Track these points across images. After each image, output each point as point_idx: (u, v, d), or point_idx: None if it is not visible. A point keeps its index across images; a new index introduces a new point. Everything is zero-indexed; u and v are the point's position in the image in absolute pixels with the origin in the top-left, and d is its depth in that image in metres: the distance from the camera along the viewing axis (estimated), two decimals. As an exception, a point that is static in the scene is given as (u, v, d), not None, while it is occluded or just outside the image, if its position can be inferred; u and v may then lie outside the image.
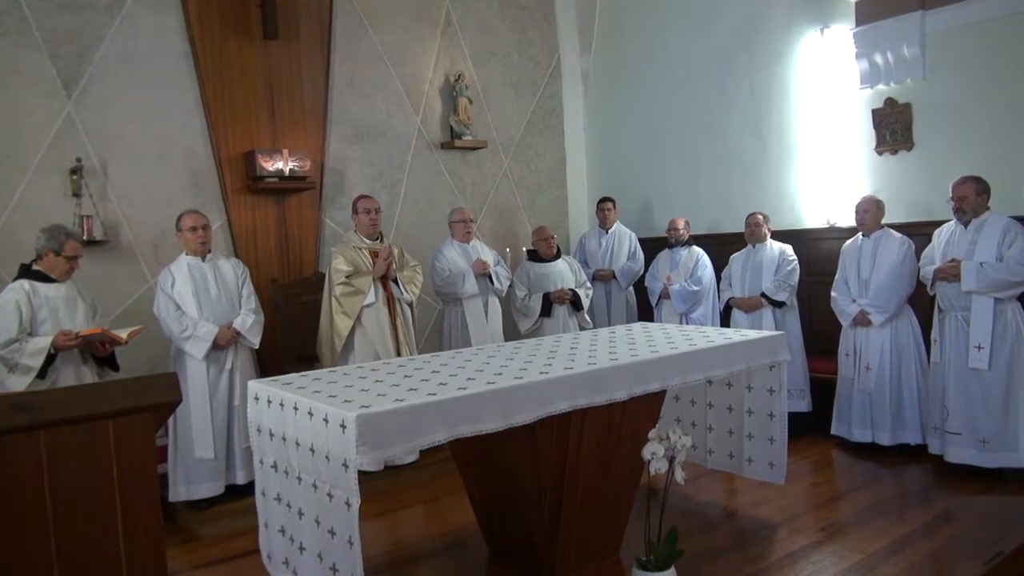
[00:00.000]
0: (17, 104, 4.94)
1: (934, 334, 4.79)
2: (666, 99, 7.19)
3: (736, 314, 5.84)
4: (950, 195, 4.70)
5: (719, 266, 6.22)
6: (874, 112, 5.73)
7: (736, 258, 5.97)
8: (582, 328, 6.08)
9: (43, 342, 3.93)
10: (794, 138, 6.29)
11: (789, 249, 5.78)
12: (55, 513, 2.05)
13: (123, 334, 4.12)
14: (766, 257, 5.79)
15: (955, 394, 4.62)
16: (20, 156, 4.95)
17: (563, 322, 6.05)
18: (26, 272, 4.13)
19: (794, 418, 5.04)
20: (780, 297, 5.67)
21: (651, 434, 3.19)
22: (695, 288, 6.19)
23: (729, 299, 5.89)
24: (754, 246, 5.87)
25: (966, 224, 4.68)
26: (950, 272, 4.63)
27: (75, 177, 5.07)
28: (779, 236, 5.98)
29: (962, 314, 4.62)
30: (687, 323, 6.10)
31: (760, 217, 5.88)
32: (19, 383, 3.88)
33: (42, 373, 3.93)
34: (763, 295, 5.71)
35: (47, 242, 4.10)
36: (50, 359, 3.95)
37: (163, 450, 4.62)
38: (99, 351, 4.18)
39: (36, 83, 5.00)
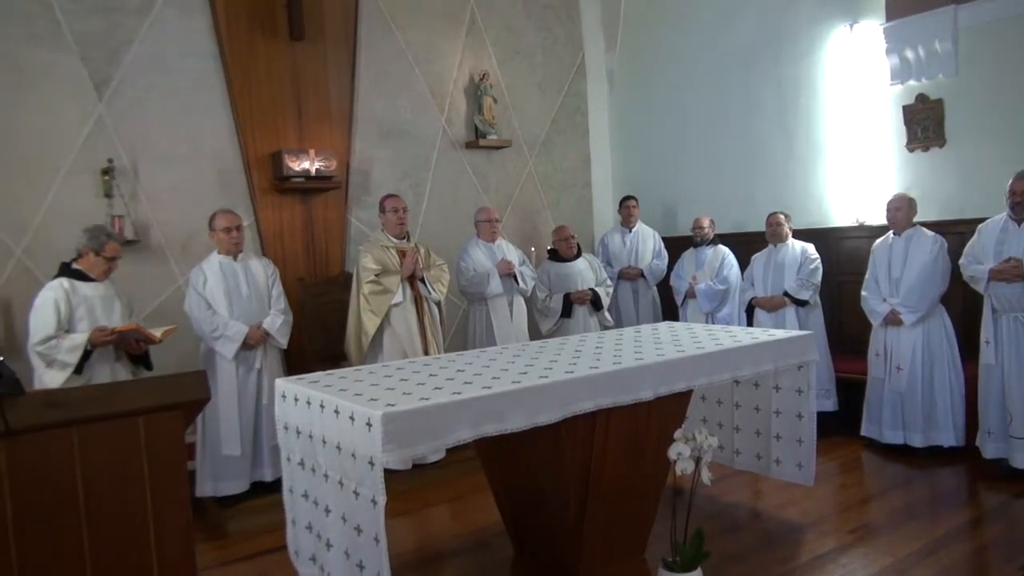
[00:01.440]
0: (50, 106, 5.02)
1: (985, 335, 4.65)
2: (691, 97, 7.13)
3: (759, 313, 5.78)
4: (1008, 189, 4.52)
5: (745, 265, 6.16)
6: (905, 108, 5.63)
7: (758, 258, 5.92)
8: (603, 328, 6.05)
9: (79, 338, 4.00)
10: (822, 135, 6.21)
11: (811, 248, 5.71)
12: (87, 507, 2.09)
13: (157, 332, 4.18)
14: (788, 256, 5.73)
15: (1021, 398, 4.49)
16: (53, 158, 5.04)
17: (583, 322, 6.04)
18: (65, 271, 4.20)
19: (820, 418, 4.96)
20: (803, 296, 5.60)
21: (677, 434, 3.18)
22: (721, 287, 6.14)
23: (752, 299, 5.84)
24: (775, 246, 5.81)
25: (1020, 221, 4.51)
26: (1012, 273, 4.45)
27: (106, 178, 5.15)
28: (806, 235, 5.91)
29: (1022, 315, 4.50)
30: (713, 323, 6.05)
31: (781, 216, 5.81)
32: (56, 379, 3.95)
33: (78, 369, 4.00)
34: (786, 294, 5.65)
35: (88, 242, 4.18)
36: (86, 355, 4.02)
37: (191, 446, 4.68)
38: (133, 349, 4.24)
39: (68, 85, 5.08)
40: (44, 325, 3.99)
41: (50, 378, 3.96)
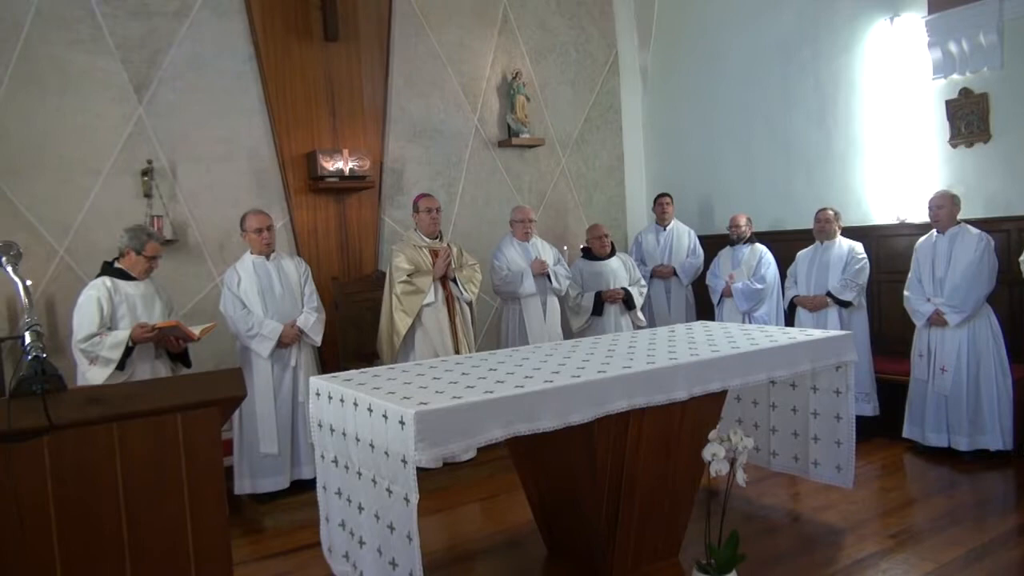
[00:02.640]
0: (91, 109, 5.14)
1: None
2: (727, 93, 7.06)
3: (801, 313, 5.70)
4: None
5: (782, 264, 6.08)
6: (948, 103, 5.51)
7: (803, 255, 5.82)
8: (636, 327, 6.02)
9: (121, 335, 4.09)
10: (861, 131, 6.10)
11: (859, 247, 5.60)
12: (127, 501, 2.13)
13: (196, 331, 4.25)
14: (834, 255, 5.63)
15: None
16: (94, 159, 5.16)
17: (615, 321, 6.01)
18: (107, 270, 4.30)
19: (860, 421, 4.88)
20: (846, 297, 5.50)
21: (712, 435, 3.16)
22: (758, 286, 6.07)
23: (793, 297, 5.76)
24: (822, 243, 5.71)
25: None
26: None
27: (146, 179, 5.26)
28: (846, 233, 5.80)
29: None
30: (749, 322, 5.98)
31: (830, 212, 5.71)
32: (99, 375, 4.04)
33: (121, 365, 4.08)
34: (829, 294, 5.56)
35: (130, 241, 4.27)
36: (127, 351, 4.10)
37: (228, 443, 4.75)
38: (172, 347, 4.32)
39: (109, 88, 5.20)
40: (87, 323, 4.09)
41: (93, 374, 4.05)
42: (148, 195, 5.26)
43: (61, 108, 5.05)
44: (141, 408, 2.17)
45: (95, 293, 4.15)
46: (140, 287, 4.31)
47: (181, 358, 4.46)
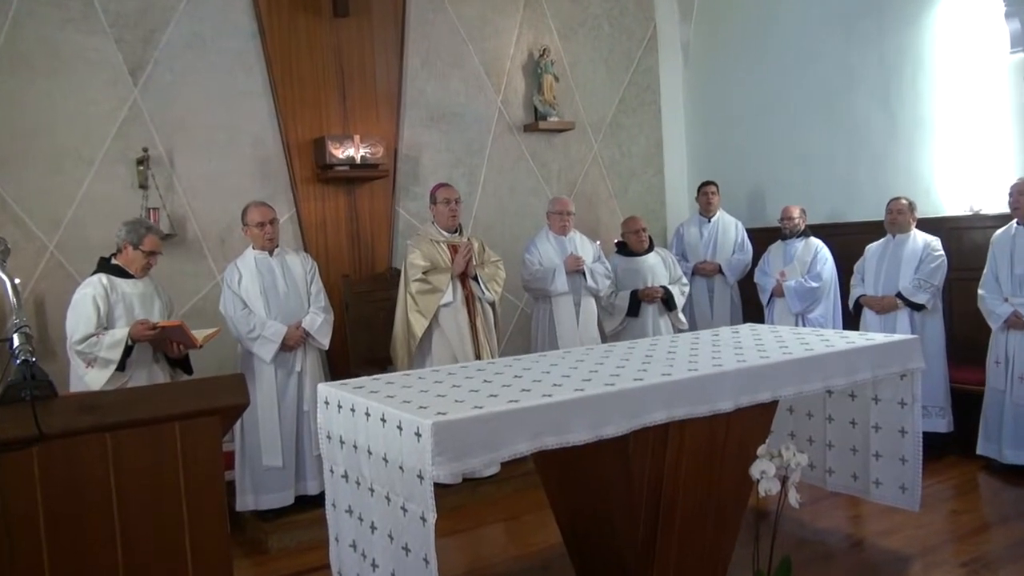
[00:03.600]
0: (83, 92, 5.23)
1: None
2: (779, 70, 7.00)
3: (867, 315, 5.64)
4: None
5: (839, 260, 6.03)
6: (1029, 79, 5.42)
7: (872, 249, 5.75)
8: (676, 330, 6.00)
9: (120, 334, 4.15)
10: (930, 112, 6.02)
11: (936, 243, 5.51)
12: (121, 517, 2.17)
13: (198, 336, 4.30)
14: (907, 250, 5.54)
15: None
16: (87, 147, 5.25)
17: (652, 323, 6.00)
18: (104, 266, 4.37)
19: (931, 439, 4.82)
20: (919, 299, 5.42)
21: (760, 450, 3.14)
22: (813, 285, 6.02)
23: (859, 297, 5.70)
24: (894, 237, 5.63)
25: None
26: None
27: (141, 168, 5.34)
28: (919, 226, 5.71)
29: None
30: (803, 325, 5.94)
31: (904, 203, 5.62)
32: (99, 378, 4.11)
33: (121, 365, 4.15)
34: (899, 295, 5.49)
35: (127, 235, 4.33)
36: (127, 351, 4.16)
37: (230, 456, 4.81)
38: (172, 352, 4.38)
39: (102, 70, 5.28)
40: (84, 323, 4.15)
41: (92, 378, 4.12)
42: (144, 186, 5.34)
43: (51, 92, 5.14)
44: (136, 417, 2.21)
45: (90, 291, 4.21)
46: (138, 285, 4.37)
47: (181, 364, 4.51)
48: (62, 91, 5.17)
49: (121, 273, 4.33)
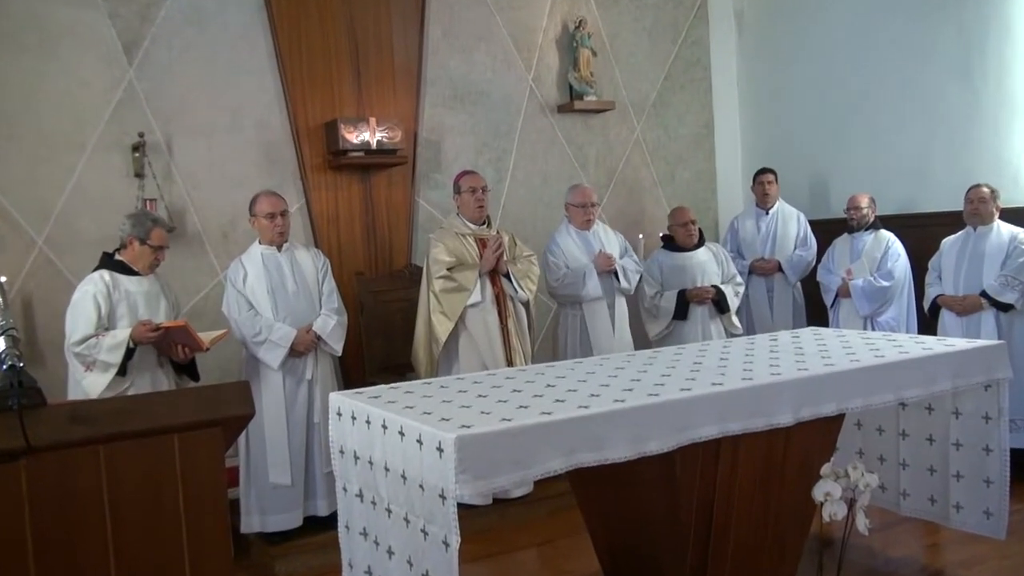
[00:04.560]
0: (73, 72, 5.31)
1: None
2: (844, 42, 6.92)
3: (945, 317, 5.56)
4: None
5: (914, 256, 5.95)
6: None
7: (950, 244, 5.67)
8: (729, 335, 5.95)
9: (121, 335, 4.22)
10: (1018, 89, 5.92)
11: (1023, 234, 5.43)
12: (115, 537, 2.20)
13: (205, 339, 4.35)
14: (991, 244, 5.46)
15: None
16: (77, 132, 5.32)
17: (702, 327, 5.96)
18: (107, 262, 4.44)
19: (1020, 457, 4.73)
20: (1006, 298, 5.33)
21: (825, 470, 3.12)
22: (884, 284, 5.95)
23: (936, 297, 5.63)
24: (975, 229, 5.55)
25: None
26: None
27: (137, 155, 5.41)
28: (1004, 216, 5.62)
29: None
30: (873, 328, 5.87)
31: (986, 191, 5.54)
32: (98, 383, 4.18)
33: (122, 369, 4.21)
34: (983, 294, 5.41)
35: (132, 229, 4.41)
36: (128, 354, 4.23)
37: (234, 473, 4.85)
38: (176, 356, 4.43)
39: (94, 47, 5.35)
40: (83, 322, 4.21)
41: (91, 382, 4.19)
42: (140, 175, 5.41)
43: (38, 72, 5.21)
44: (132, 428, 2.24)
45: (91, 288, 4.28)
46: (143, 283, 4.44)
47: (187, 370, 4.58)
48: (50, 71, 5.24)
49: (125, 270, 4.40)
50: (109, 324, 4.27)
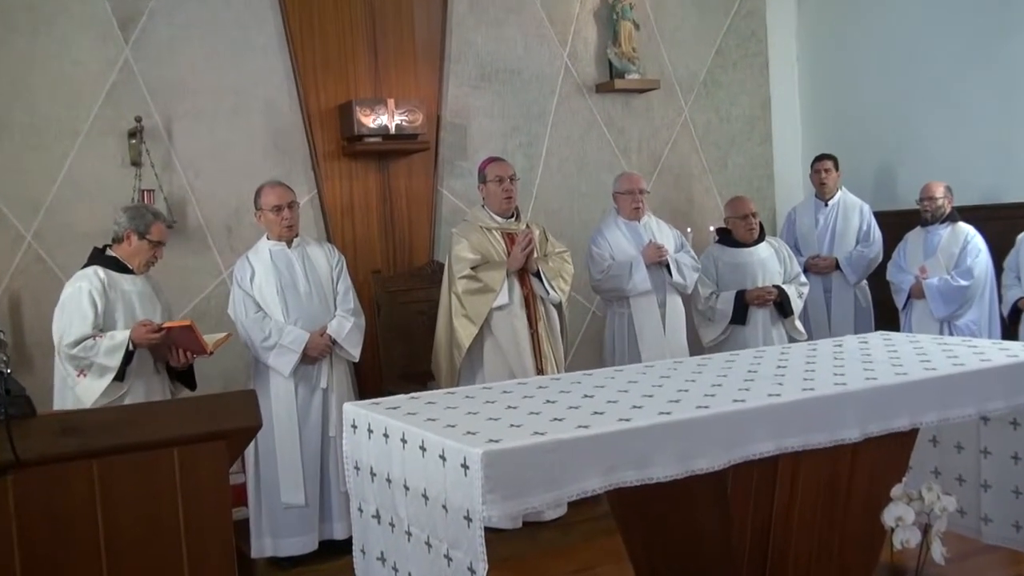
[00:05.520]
0: (65, 51, 5.36)
1: None
2: (919, 15, 6.86)
3: (1029, 322, 5.52)
4: None
5: (996, 252, 5.92)
6: None
7: (1028, 239, 5.63)
8: (793, 341, 5.90)
9: (120, 336, 4.23)
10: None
11: None
12: (109, 559, 2.22)
13: (208, 342, 4.38)
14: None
15: None
16: (70, 118, 5.38)
17: (763, 332, 5.93)
18: (99, 258, 4.44)
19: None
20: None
21: (896, 491, 3.10)
22: (962, 283, 5.89)
23: (1018, 300, 5.59)
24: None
25: None
26: None
27: (134, 141, 5.46)
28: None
29: None
30: (951, 333, 5.82)
31: None
32: (93, 389, 4.20)
33: (120, 374, 4.23)
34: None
35: (130, 223, 4.41)
36: (127, 357, 4.24)
37: (242, 492, 4.89)
38: (176, 362, 4.46)
39: (88, 24, 5.41)
40: (78, 322, 4.21)
41: (85, 388, 4.21)
42: (137, 163, 5.46)
43: (30, 53, 5.28)
44: (128, 440, 2.26)
45: (85, 285, 4.28)
46: (137, 283, 4.46)
47: (183, 378, 4.60)
48: (42, 51, 5.30)
49: (118, 267, 4.42)
50: (105, 326, 4.28)
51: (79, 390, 4.22)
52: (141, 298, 4.44)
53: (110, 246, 4.47)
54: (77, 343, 4.19)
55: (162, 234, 4.49)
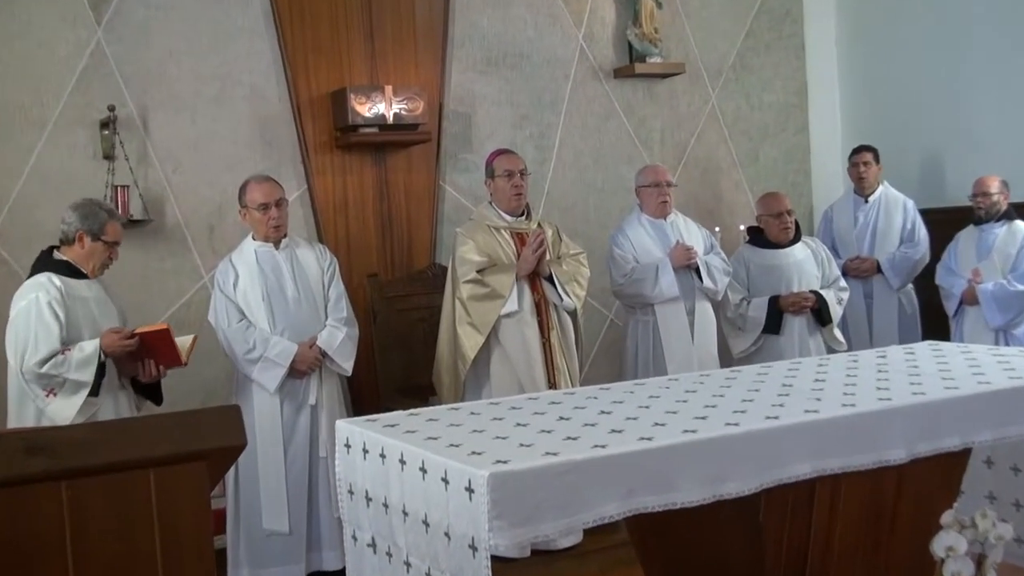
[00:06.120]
0: (30, 32, 5.39)
1: None
2: (971, -10, 6.85)
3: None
4: None
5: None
6: None
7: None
8: (831, 352, 5.89)
9: (89, 347, 4.21)
10: None
11: None
12: (80, 594, 2.23)
13: (183, 349, 4.37)
14: None
15: None
16: (36, 105, 5.40)
17: (799, 342, 5.94)
18: (49, 262, 4.40)
19: None
20: None
21: (946, 518, 3.10)
22: (1020, 288, 5.88)
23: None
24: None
25: None
26: None
27: (106, 132, 5.47)
28: None
29: None
30: (1007, 344, 5.80)
31: None
32: (68, 408, 4.17)
33: (95, 389, 4.20)
34: None
35: (82, 222, 4.35)
36: (100, 369, 4.21)
37: (221, 516, 4.89)
38: (146, 374, 4.43)
39: (55, 2, 5.41)
40: (44, 337, 4.16)
41: (58, 409, 4.17)
42: (109, 156, 5.47)
43: (-10, 35, 5.31)
44: (101, 461, 2.26)
45: (43, 296, 4.23)
46: (93, 288, 4.44)
47: (148, 391, 4.58)
48: (5, 33, 5.32)
49: (71, 271, 4.36)
50: (69, 339, 4.23)
51: (51, 411, 4.18)
52: (99, 305, 4.41)
53: (57, 248, 4.42)
54: (46, 360, 4.15)
55: (117, 233, 4.43)
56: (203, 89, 5.77)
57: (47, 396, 4.19)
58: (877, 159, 6.73)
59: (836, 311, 6.00)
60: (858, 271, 6.56)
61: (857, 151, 6.78)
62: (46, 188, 5.37)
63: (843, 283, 6.17)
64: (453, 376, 5.24)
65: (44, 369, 4.15)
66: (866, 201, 6.72)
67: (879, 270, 6.55)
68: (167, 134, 5.69)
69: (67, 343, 4.21)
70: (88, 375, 4.17)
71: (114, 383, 4.39)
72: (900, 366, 4.05)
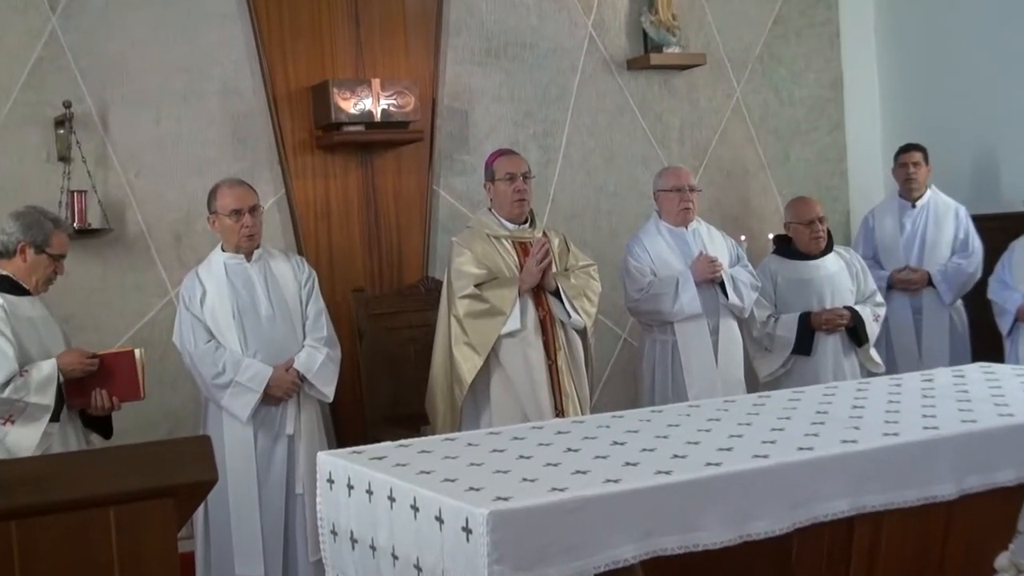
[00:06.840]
0: (-23, 22, 5.42)
1: None
2: (1025, -29, 6.88)
3: None
4: None
5: None
6: None
7: None
8: (868, 375, 5.89)
9: (47, 367, 4.21)
10: None
11: None
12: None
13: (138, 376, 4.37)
14: None
15: None
16: (-17, 102, 5.43)
17: (833, 364, 5.93)
18: None
19: None
20: None
21: (1000, 561, 3.11)
22: (1083, 304, 5.89)
23: None
24: None
25: None
26: None
27: (62, 132, 5.48)
28: None
29: None
30: (1067, 365, 5.81)
31: None
32: (28, 437, 4.14)
33: (56, 414, 4.19)
34: None
35: (25, 233, 4.34)
36: (59, 392, 4.21)
37: (189, 559, 4.88)
38: (95, 406, 4.39)
39: (4, -13, 5.46)
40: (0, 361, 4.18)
41: (17, 439, 4.14)
42: (65, 158, 5.47)
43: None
44: (55, 498, 2.26)
45: None
46: (37, 306, 4.44)
47: (98, 424, 4.56)
48: (-51, 21, 5.36)
49: (12, 288, 4.36)
50: (22, 361, 4.22)
51: (10, 441, 4.15)
52: (45, 325, 4.42)
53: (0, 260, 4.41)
54: (5, 385, 4.14)
55: (64, 245, 4.43)
56: (169, 83, 5.78)
57: (4, 424, 4.17)
58: (927, 159, 6.71)
59: (873, 329, 6.00)
60: (911, 284, 6.54)
61: (905, 150, 6.77)
62: (-5, 193, 5.39)
63: (879, 298, 6.15)
64: (448, 402, 5.23)
65: (5, 395, 4.14)
66: (913, 206, 6.70)
67: (930, 283, 6.55)
68: (129, 133, 5.70)
69: (22, 365, 4.21)
70: (49, 398, 4.16)
71: (63, 413, 4.36)
72: (948, 391, 4.06)
